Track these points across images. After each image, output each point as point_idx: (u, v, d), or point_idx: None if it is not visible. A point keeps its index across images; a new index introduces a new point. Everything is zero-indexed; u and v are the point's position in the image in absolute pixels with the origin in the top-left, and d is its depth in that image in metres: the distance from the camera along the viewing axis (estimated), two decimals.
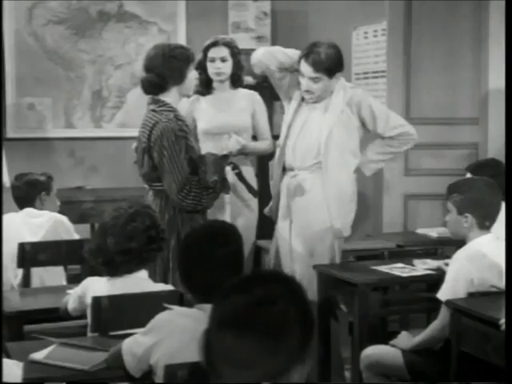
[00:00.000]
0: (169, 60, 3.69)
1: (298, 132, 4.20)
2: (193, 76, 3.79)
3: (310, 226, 4.14)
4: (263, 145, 4.54)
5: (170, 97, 3.72)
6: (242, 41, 6.47)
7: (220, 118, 4.48)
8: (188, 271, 2.44)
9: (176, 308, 2.45)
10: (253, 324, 1.47)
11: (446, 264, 3.59)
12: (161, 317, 2.42)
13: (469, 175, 4.25)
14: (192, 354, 2.24)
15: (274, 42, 6.66)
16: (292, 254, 4.18)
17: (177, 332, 2.34)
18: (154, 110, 3.69)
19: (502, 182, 3.39)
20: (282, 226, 4.26)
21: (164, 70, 3.68)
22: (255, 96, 4.62)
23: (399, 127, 4.19)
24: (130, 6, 6.48)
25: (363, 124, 4.17)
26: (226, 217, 4.23)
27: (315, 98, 4.12)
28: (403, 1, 5.46)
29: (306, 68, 4.04)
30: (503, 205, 3.39)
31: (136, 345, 2.42)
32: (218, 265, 2.38)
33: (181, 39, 6.44)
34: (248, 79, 6.18)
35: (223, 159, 3.76)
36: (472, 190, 3.39)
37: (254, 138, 4.62)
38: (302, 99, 4.21)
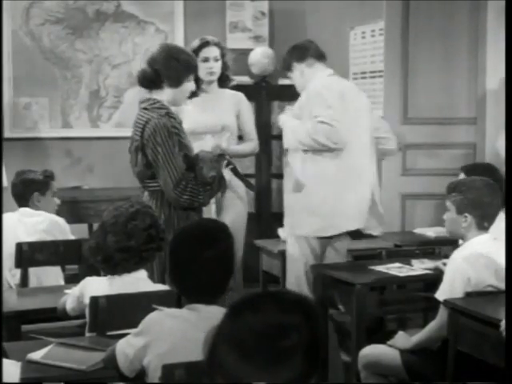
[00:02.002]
0: (169, 60, 3.68)
1: None
2: (189, 87, 3.74)
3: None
4: (247, 147, 4.54)
5: (163, 96, 3.70)
6: (240, 41, 6.49)
7: (203, 117, 4.48)
8: (177, 272, 2.43)
9: (165, 309, 2.44)
10: (263, 351, 1.43)
11: (444, 264, 3.59)
12: (150, 318, 2.41)
13: (462, 175, 4.25)
14: (183, 355, 2.24)
15: (271, 42, 6.67)
16: None
17: (166, 333, 2.34)
18: (145, 108, 3.68)
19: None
20: None
21: (162, 67, 3.67)
22: (240, 96, 4.62)
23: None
24: (127, 5, 6.47)
25: None
26: (212, 215, 4.25)
27: (298, 87, 4.38)
28: (400, 1, 5.46)
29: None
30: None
31: (128, 346, 2.42)
32: (206, 266, 2.36)
33: (178, 39, 6.44)
34: (245, 79, 6.19)
35: (220, 158, 3.76)
36: (472, 189, 3.39)
37: (240, 138, 4.62)
38: None
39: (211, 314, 2.34)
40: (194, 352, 2.23)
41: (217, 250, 2.38)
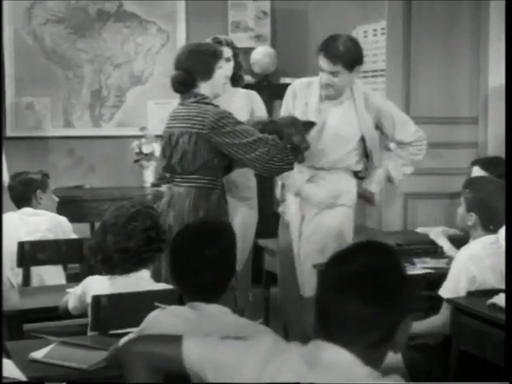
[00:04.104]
0: (195, 55, 3.71)
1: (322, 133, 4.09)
2: (222, 73, 3.79)
3: None
4: None
5: (201, 91, 3.71)
6: (242, 40, 6.49)
7: None
8: (178, 270, 2.42)
9: (168, 307, 2.43)
10: (372, 288, 1.60)
11: (448, 262, 3.58)
12: (152, 316, 2.40)
13: (477, 169, 4.21)
14: None
15: (273, 42, 6.68)
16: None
17: (168, 333, 2.33)
18: (197, 102, 3.68)
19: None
20: None
21: (190, 64, 3.68)
22: (254, 95, 4.60)
23: (416, 133, 4.11)
24: (129, 5, 6.48)
25: (380, 129, 4.10)
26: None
27: (334, 92, 3.99)
28: (402, 0, 5.46)
29: (324, 62, 3.91)
30: None
31: None
32: (207, 264, 2.35)
33: (180, 39, 6.45)
34: (247, 78, 6.19)
35: (309, 125, 3.77)
36: (483, 191, 3.36)
37: None
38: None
39: (212, 313, 2.34)
40: None
41: (217, 250, 2.37)
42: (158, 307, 2.42)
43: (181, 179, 3.70)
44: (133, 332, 2.45)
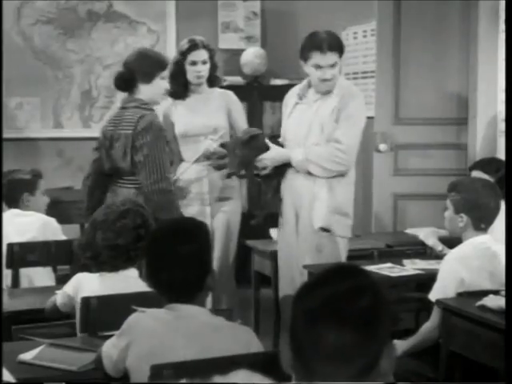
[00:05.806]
0: (141, 56, 3.92)
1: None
2: (162, 85, 3.93)
3: None
4: None
5: (140, 95, 3.86)
6: (232, 41, 6.50)
7: (195, 120, 4.48)
8: (152, 269, 2.43)
9: (147, 310, 2.42)
10: (347, 313, 1.49)
11: (438, 263, 3.58)
12: (132, 319, 2.39)
13: (476, 173, 4.20)
14: (161, 359, 2.22)
15: (263, 42, 6.69)
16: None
17: (146, 336, 2.32)
18: (137, 107, 3.83)
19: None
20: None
21: (133, 64, 3.87)
22: (230, 95, 4.61)
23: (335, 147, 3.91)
24: (118, 5, 6.47)
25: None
26: (207, 218, 4.28)
27: (331, 86, 3.99)
28: (392, 1, 5.47)
29: (322, 57, 3.92)
30: (503, 205, 3.33)
31: (112, 347, 2.41)
32: (180, 263, 2.36)
33: (170, 39, 6.44)
34: (237, 79, 6.20)
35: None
36: (470, 190, 3.37)
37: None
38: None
39: (189, 314, 2.34)
40: (173, 356, 2.23)
41: (190, 249, 2.37)
42: (136, 310, 2.41)
43: (122, 180, 3.86)
44: (114, 334, 2.45)
